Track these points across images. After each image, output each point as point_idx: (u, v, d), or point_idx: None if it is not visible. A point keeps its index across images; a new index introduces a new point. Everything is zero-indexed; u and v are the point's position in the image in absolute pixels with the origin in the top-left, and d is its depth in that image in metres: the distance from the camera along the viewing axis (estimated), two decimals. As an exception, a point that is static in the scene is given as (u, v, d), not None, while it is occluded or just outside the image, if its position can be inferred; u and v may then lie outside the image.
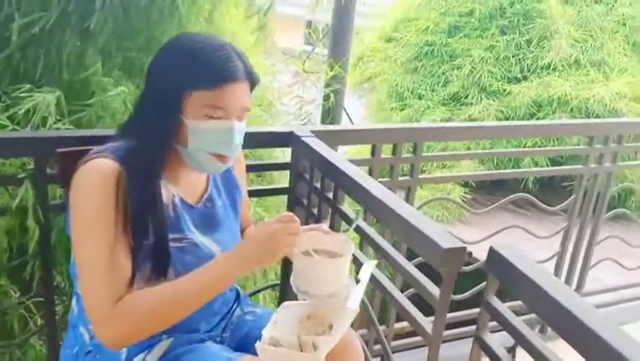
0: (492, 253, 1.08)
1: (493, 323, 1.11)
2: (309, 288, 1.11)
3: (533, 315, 2.38)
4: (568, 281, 2.49)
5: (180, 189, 1.20)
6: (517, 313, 1.11)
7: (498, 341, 1.12)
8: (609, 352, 0.82)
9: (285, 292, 1.84)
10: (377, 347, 2.11)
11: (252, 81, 1.16)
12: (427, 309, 1.25)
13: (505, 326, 1.06)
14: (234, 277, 1.12)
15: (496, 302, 1.09)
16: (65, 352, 1.25)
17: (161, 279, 1.12)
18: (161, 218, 1.12)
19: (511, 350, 1.08)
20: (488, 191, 4.91)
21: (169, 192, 1.18)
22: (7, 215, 1.47)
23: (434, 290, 1.12)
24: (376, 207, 1.27)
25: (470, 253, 1.10)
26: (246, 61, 1.15)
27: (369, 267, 1.19)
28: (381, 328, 2.11)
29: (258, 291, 1.99)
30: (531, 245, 3.50)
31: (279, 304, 1.90)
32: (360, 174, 1.41)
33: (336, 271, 1.12)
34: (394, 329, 2.14)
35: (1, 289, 1.56)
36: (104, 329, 1.04)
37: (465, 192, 4.42)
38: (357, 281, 1.18)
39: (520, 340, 1.02)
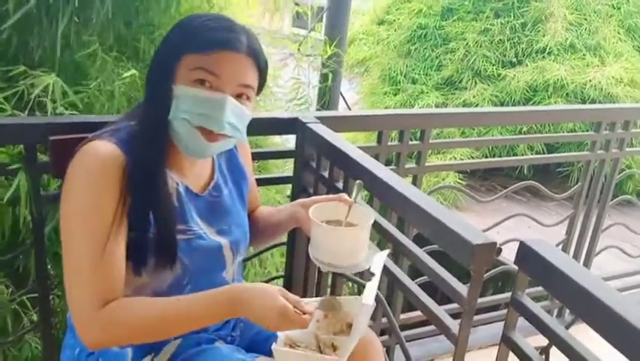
0: (523, 248, 1.02)
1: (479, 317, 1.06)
2: (331, 259, 1.06)
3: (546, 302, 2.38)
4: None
5: (184, 177, 1.12)
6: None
7: (526, 336, 1.07)
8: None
9: (289, 283, 1.77)
10: (382, 338, 2.06)
11: (257, 61, 1.07)
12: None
13: (538, 325, 1.00)
14: (228, 317, 1.07)
15: (527, 301, 1.03)
16: (65, 354, 1.18)
17: (167, 270, 1.05)
18: (167, 207, 1.05)
19: (545, 351, 1.03)
20: (482, 177, 4.89)
21: (172, 180, 1.10)
22: (-2, 206, 1.38)
23: (461, 289, 1.06)
24: (394, 199, 1.20)
25: (500, 249, 1.03)
26: (253, 39, 1.06)
27: (381, 258, 1.13)
28: (384, 319, 2.09)
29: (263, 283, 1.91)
30: (530, 232, 3.49)
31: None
32: (374, 164, 1.33)
33: (358, 241, 1.07)
34: (400, 319, 2.09)
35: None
36: (84, 331, 0.97)
37: (460, 179, 4.38)
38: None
39: (555, 340, 0.97)
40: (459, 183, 4.28)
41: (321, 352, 1.07)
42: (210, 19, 1.05)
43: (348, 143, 1.48)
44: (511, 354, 1.08)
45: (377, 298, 1.54)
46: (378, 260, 1.10)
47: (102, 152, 0.98)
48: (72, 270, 0.97)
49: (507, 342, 1.07)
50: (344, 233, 1.08)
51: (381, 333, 2.09)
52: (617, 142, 2.31)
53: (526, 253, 1.01)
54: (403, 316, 2.11)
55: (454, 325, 1.08)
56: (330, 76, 3.10)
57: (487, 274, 2.23)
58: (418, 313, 2.10)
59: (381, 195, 1.29)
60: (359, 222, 1.10)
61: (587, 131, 2.72)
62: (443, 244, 1.06)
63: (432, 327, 2.21)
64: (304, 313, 0.97)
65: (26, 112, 1.37)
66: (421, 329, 2.20)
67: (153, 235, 1.03)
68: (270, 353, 1.05)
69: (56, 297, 1.59)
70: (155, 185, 1.03)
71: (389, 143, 1.83)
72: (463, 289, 1.05)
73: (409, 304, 1.65)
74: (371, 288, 1.04)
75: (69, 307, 0.98)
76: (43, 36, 1.35)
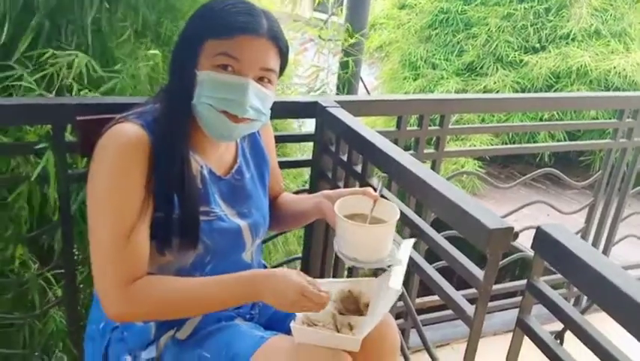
0: (540, 233, 1.03)
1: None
2: (357, 255, 1.07)
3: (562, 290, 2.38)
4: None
5: (208, 160, 1.15)
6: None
7: (540, 324, 1.08)
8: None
9: (307, 266, 1.80)
10: (398, 321, 2.09)
11: (278, 44, 1.08)
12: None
13: (554, 310, 1.01)
14: (248, 301, 1.13)
15: (543, 286, 1.04)
16: (91, 328, 1.22)
17: (190, 250, 1.08)
18: (192, 189, 1.08)
19: (559, 336, 1.04)
20: (501, 164, 4.85)
21: (197, 163, 1.12)
22: (27, 184, 1.42)
23: (478, 273, 1.07)
24: (413, 183, 1.21)
25: (517, 234, 1.04)
26: (272, 21, 1.07)
27: (408, 246, 1.15)
28: (400, 303, 2.11)
29: (281, 264, 1.95)
30: (549, 220, 3.47)
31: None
32: (393, 148, 1.34)
33: (385, 237, 1.09)
34: (416, 303, 2.11)
35: (21, 259, 1.52)
36: (109, 306, 1.01)
37: (479, 166, 4.35)
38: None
39: (571, 325, 0.98)
40: (478, 170, 4.26)
41: (338, 331, 1.09)
42: (230, 4, 1.05)
43: (367, 127, 1.48)
44: (525, 341, 1.10)
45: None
46: (405, 248, 1.12)
47: (129, 133, 1.01)
48: (98, 247, 1.00)
49: (522, 326, 1.09)
50: (371, 231, 1.09)
51: (397, 317, 2.11)
52: (640, 130, 2.28)
53: (543, 239, 1.02)
54: (418, 300, 2.13)
55: (469, 308, 1.10)
56: (351, 62, 3.08)
57: (504, 261, 2.23)
58: (433, 298, 2.14)
59: (400, 179, 1.31)
60: (384, 217, 1.11)
61: (610, 119, 2.71)
62: (461, 228, 1.08)
63: (447, 312, 2.23)
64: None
65: (54, 93, 1.40)
66: (436, 313, 2.22)
67: (177, 215, 1.06)
68: (287, 331, 1.08)
69: (80, 273, 1.64)
70: (179, 166, 1.05)
71: (408, 128, 1.84)
72: (479, 273, 1.07)
73: (424, 289, 1.67)
74: (399, 273, 1.06)
75: (95, 281, 1.01)
76: (74, 22, 1.38)
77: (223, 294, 1.03)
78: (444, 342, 2.24)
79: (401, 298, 1.70)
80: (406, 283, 2.04)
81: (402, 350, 1.61)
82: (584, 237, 2.41)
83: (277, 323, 1.24)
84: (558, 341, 1.02)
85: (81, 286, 1.63)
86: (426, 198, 1.18)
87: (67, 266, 1.51)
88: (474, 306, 1.08)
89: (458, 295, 1.14)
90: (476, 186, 4.28)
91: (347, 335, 1.06)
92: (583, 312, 1.10)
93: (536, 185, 4.39)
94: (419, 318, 2.18)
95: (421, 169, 1.21)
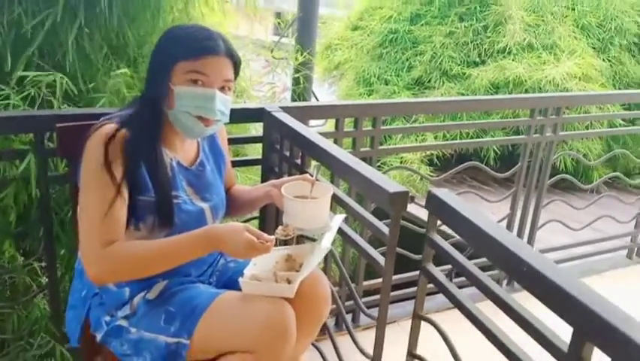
0: (430, 195, 1.32)
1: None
2: (303, 225, 1.35)
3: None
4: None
5: (176, 154, 1.42)
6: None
7: (437, 269, 1.36)
8: (536, 277, 0.96)
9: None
10: (348, 303, 2.35)
11: (234, 60, 1.38)
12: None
13: (445, 256, 1.30)
14: (207, 252, 1.32)
15: (436, 237, 1.33)
16: (73, 297, 1.45)
17: (166, 229, 1.33)
18: (164, 175, 1.34)
19: (449, 274, 1.31)
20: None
21: (167, 156, 1.39)
22: (11, 185, 1.65)
23: (384, 229, 1.35)
24: (338, 165, 1.50)
25: (413, 198, 1.33)
26: (227, 42, 1.37)
27: (339, 219, 1.43)
28: (352, 285, 2.36)
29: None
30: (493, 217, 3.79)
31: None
32: (322, 140, 1.63)
33: (322, 209, 1.37)
34: (363, 286, 2.37)
35: (8, 254, 1.74)
36: (90, 265, 1.23)
37: (431, 171, 4.69)
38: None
39: (456, 265, 1.26)
40: (430, 174, 4.58)
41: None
42: (194, 31, 1.35)
43: (306, 127, 1.77)
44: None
45: (338, 266, 1.86)
46: (337, 220, 1.41)
47: (109, 130, 1.28)
48: (85, 218, 1.25)
49: (424, 272, 1.37)
50: (312, 205, 1.38)
51: (348, 298, 2.37)
52: (551, 127, 2.63)
53: (434, 200, 1.31)
54: (365, 283, 2.39)
55: (381, 259, 1.37)
56: (302, 80, 3.39)
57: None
58: (379, 280, 2.40)
59: (328, 163, 1.59)
60: (321, 195, 1.41)
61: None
62: (370, 194, 1.36)
63: (395, 292, 2.50)
64: (267, 242, 1.26)
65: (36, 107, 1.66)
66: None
67: (152, 198, 1.31)
68: (238, 290, 1.33)
69: (61, 266, 1.86)
70: (152, 157, 1.32)
71: (345, 129, 2.13)
72: (385, 229, 1.35)
73: (372, 273, 1.91)
74: (329, 237, 1.34)
75: (80, 248, 1.26)
76: (55, 48, 1.64)
77: (185, 247, 1.26)
78: (392, 320, 2.50)
79: (346, 283, 1.97)
80: (355, 270, 2.32)
81: (338, 309, 1.84)
82: (510, 222, 2.73)
83: (231, 286, 1.49)
84: (449, 278, 1.31)
85: (61, 275, 1.86)
86: (346, 175, 1.47)
87: (48, 258, 1.74)
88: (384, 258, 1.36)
89: (370, 248, 1.42)
90: (427, 189, 4.60)
91: (284, 285, 1.33)
92: (467, 255, 1.35)
93: (483, 187, 4.75)
94: (369, 299, 2.45)
95: (342, 154, 1.50)
